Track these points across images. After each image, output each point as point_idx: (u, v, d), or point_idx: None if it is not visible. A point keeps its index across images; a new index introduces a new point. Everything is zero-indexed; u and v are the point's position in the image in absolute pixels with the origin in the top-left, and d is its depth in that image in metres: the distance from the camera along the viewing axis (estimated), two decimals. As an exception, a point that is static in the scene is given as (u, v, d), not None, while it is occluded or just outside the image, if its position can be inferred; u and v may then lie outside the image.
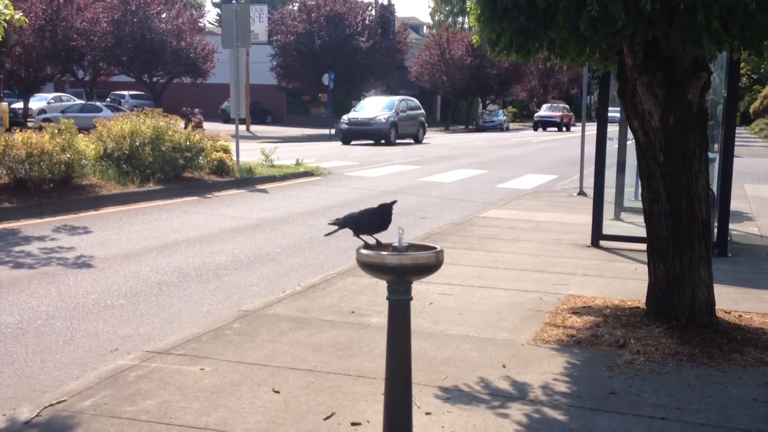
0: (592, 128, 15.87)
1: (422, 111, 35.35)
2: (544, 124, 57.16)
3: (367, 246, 3.54)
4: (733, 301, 6.37)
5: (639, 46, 5.09)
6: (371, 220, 3.73)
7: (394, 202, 3.81)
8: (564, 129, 56.70)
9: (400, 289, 3.45)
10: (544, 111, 59.50)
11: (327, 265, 8.13)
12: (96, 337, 5.67)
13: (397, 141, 32.00)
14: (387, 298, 3.48)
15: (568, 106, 63.43)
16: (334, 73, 42.70)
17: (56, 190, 11.74)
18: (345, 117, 32.51)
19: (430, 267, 3.45)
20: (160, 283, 7.31)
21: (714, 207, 7.83)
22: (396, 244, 3.47)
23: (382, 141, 31.48)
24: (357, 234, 3.69)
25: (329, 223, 3.79)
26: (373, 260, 3.41)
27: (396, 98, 34.65)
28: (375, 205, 3.78)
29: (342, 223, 3.73)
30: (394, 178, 17.53)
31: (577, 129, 58.56)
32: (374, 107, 32.98)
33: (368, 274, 3.54)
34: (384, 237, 3.69)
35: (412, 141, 33.75)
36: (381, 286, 4.80)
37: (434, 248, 3.48)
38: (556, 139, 41.56)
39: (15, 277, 7.34)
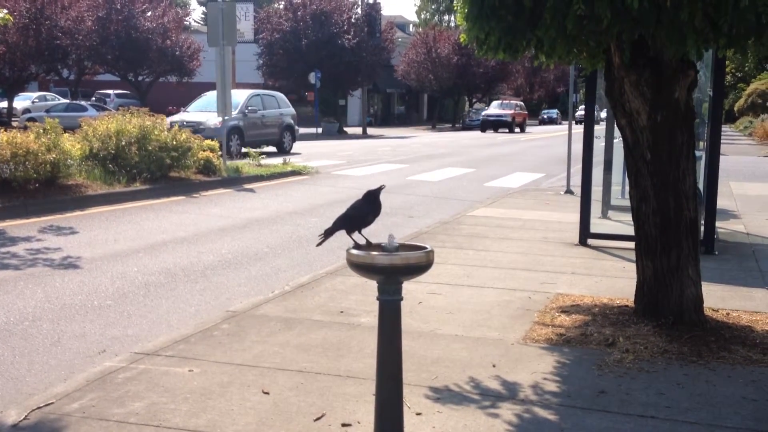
0: (565, 128, 15.89)
1: (290, 110, 25.83)
2: (493, 124, 49.95)
3: (357, 246, 3.52)
4: (721, 299, 6.40)
5: (626, 45, 5.10)
6: (361, 210, 3.72)
7: (382, 187, 3.79)
8: (517, 130, 50.12)
9: (391, 290, 3.43)
10: (493, 109, 52.19)
11: (315, 264, 8.11)
12: (83, 339, 5.63)
13: (244, 151, 20.40)
14: (377, 299, 3.47)
15: (522, 104, 56.37)
16: (321, 72, 42.67)
17: (42, 190, 11.66)
18: (168, 120, 19.14)
19: (421, 267, 3.43)
20: (148, 283, 7.27)
21: (701, 205, 7.86)
22: (386, 244, 3.46)
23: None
24: (350, 232, 3.68)
25: (319, 235, 3.78)
26: (363, 260, 3.40)
27: (246, 93, 24.80)
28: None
29: (332, 228, 3.71)
30: (381, 177, 17.50)
31: (533, 129, 53.97)
32: (211, 106, 21.82)
33: (358, 274, 3.53)
34: (373, 236, 3.68)
35: (274, 149, 24.55)
36: (370, 285, 4.79)
37: (424, 248, 3.47)
38: (543, 137, 41.69)
39: (0, 279, 7.28)
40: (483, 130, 49.46)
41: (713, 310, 5.92)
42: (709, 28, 4.50)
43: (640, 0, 4.34)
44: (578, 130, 13.38)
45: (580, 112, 66.56)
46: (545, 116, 71.84)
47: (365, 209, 3.72)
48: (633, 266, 5.94)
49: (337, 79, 45.49)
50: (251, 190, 14.75)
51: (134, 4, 38.70)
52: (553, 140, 36.31)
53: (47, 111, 33.45)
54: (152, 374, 4.55)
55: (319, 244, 3.83)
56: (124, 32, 37.71)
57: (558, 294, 6.56)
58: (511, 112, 50.74)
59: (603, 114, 9.28)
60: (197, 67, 41.34)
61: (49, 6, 36.29)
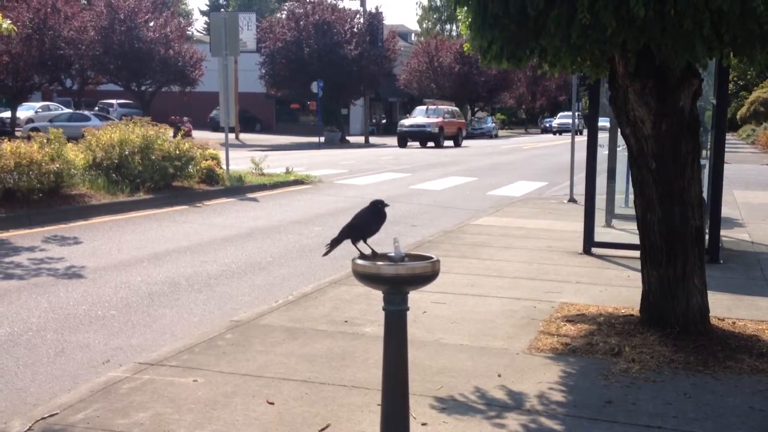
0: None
1: None
2: (415, 136, 39.12)
3: (362, 256, 3.52)
4: (727, 308, 6.38)
5: (631, 54, 5.10)
6: (366, 219, 3.72)
7: (387, 205, 3.79)
8: (449, 144, 40.27)
9: (397, 300, 3.42)
10: (416, 117, 40.87)
11: (319, 273, 8.09)
12: (87, 349, 5.62)
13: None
14: (383, 309, 3.46)
15: (456, 110, 45.03)
16: (323, 81, 42.76)
17: (45, 200, 11.67)
18: None
19: (427, 277, 3.43)
20: (152, 293, 7.26)
21: (705, 214, 7.84)
22: (392, 254, 3.45)
23: None
24: (355, 242, 3.68)
25: (326, 245, 3.79)
26: (369, 270, 3.39)
27: None
28: None
29: (339, 237, 3.72)
30: (384, 186, 17.52)
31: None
32: None
33: (364, 284, 3.52)
34: (378, 245, 3.67)
35: None
36: (374, 294, 4.79)
37: (430, 258, 3.46)
38: (546, 146, 41.69)
39: (5, 289, 7.27)
40: (402, 145, 38.31)
41: (719, 319, 5.90)
42: (715, 36, 4.50)
43: (646, 9, 4.33)
44: (581, 139, 13.38)
45: (559, 120, 65.46)
46: (547, 125, 71.86)
47: (370, 219, 3.72)
48: (638, 275, 5.92)
49: (340, 89, 45.58)
50: (254, 200, 14.75)
51: (137, 15, 38.84)
52: (555, 149, 36.31)
53: (51, 121, 33.51)
54: (156, 385, 4.53)
55: (326, 253, 3.83)
56: (126, 42, 37.84)
57: (563, 303, 6.54)
58: (438, 120, 39.68)
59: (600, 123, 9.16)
60: (200, 77, 41.46)
61: (53, 16, 36.45)
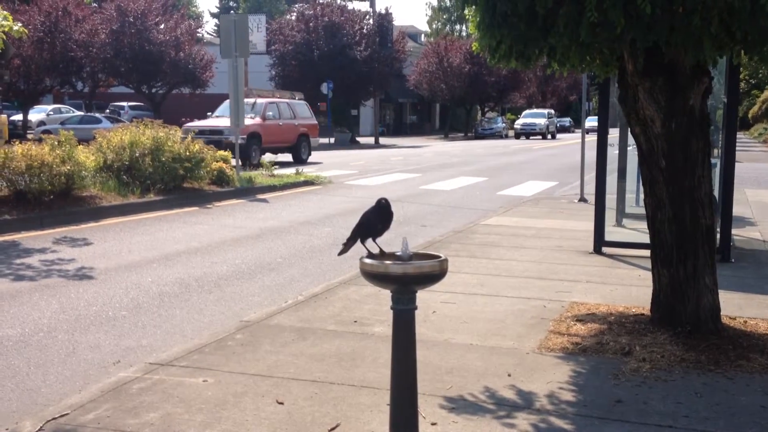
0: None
1: None
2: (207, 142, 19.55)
3: (370, 255, 3.51)
4: (738, 307, 6.34)
5: (639, 52, 5.08)
6: (375, 217, 3.73)
7: (388, 205, 3.79)
8: (283, 158, 25.01)
9: (405, 299, 3.42)
10: (218, 117, 24.40)
11: (328, 274, 8.10)
12: (98, 350, 5.64)
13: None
14: (391, 308, 3.45)
15: (301, 104, 28.04)
16: (333, 82, 42.81)
17: (56, 201, 11.72)
18: None
19: (435, 276, 3.42)
20: (162, 294, 7.28)
21: (716, 212, 7.80)
22: (400, 253, 3.45)
23: None
24: (363, 241, 3.68)
25: (342, 243, 3.81)
26: (377, 270, 3.39)
27: None
28: None
29: (352, 236, 3.73)
30: (394, 186, 17.51)
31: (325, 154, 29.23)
32: None
33: (372, 283, 3.52)
34: (387, 245, 3.67)
35: None
36: (384, 294, 4.79)
37: (438, 257, 3.46)
38: (557, 146, 41.60)
39: (16, 290, 7.31)
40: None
41: (730, 318, 5.87)
42: (725, 34, 4.47)
43: (653, 6, 4.31)
44: (590, 138, 13.33)
45: (523, 120, 54.45)
46: (558, 124, 71.63)
47: (376, 218, 3.72)
48: (648, 274, 5.90)
49: (350, 90, 45.61)
50: (264, 201, 14.78)
51: (147, 17, 38.96)
52: (566, 148, 36.23)
53: (62, 123, 33.63)
54: (167, 385, 4.54)
55: (341, 252, 3.86)
56: (137, 45, 37.96)
57: (573, 302, 6.52)
58: (252, 122, 23.20)
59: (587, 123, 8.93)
60: (210, 79, 41.55)
61: (64, 19, 36.63)
